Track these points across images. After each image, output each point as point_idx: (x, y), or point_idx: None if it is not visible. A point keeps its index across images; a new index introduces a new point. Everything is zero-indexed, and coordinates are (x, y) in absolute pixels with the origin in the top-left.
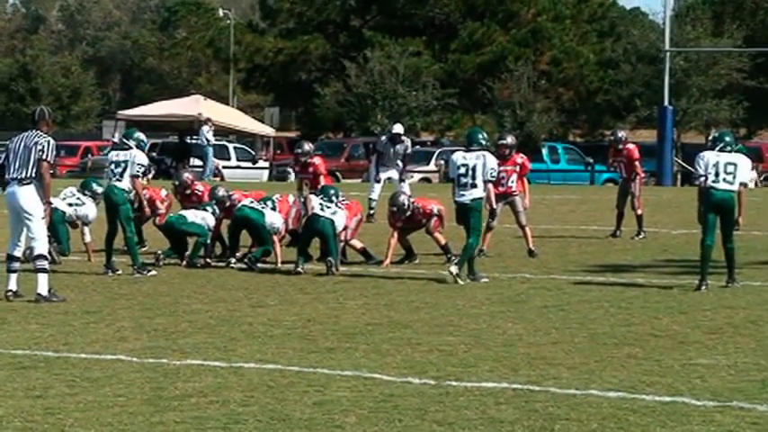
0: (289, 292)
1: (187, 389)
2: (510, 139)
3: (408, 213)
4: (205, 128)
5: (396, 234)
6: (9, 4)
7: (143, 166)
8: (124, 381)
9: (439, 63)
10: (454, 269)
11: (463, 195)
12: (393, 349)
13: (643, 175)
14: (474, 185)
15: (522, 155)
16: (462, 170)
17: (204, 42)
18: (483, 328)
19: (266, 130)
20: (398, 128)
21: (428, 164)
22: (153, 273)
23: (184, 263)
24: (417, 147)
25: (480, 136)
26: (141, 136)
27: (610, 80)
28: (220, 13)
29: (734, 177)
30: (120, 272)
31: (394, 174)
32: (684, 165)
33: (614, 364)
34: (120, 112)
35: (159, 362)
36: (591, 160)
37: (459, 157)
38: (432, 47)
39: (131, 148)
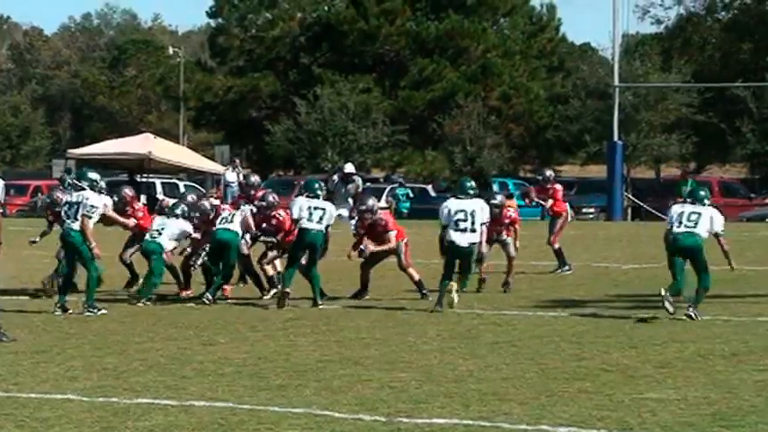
0: (239, 329)
1: (138, 427)
2: (499, 199)
3: (375, 217)
4: (229, 170)
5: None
6: None
7: (95, 207)
8: (74, 420)
9: (389, 100)
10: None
11: (461, 239)
12: (344, 386)
13: (567, 212)
14: (473, 230)
15: (511, 208)
16: (461, 215)
17: (154, 80)
18: (434, 364)
19: (217, 167)
20: (349, 167)
21: (379, 200)
22: (104, 311)
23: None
24: (369, 183)
25: (469, 185)
26: (95, 176)
27: (560, 115)
28: (170, 51)
29: (695, 225)
30: (70, 311)
31: (344, 212)
32: (634, 200)
33: (565, 398)
34: (70, 150)
35: (109, 401)
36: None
37: (454, 203)
38: (382, 83)
39: (84, 188)
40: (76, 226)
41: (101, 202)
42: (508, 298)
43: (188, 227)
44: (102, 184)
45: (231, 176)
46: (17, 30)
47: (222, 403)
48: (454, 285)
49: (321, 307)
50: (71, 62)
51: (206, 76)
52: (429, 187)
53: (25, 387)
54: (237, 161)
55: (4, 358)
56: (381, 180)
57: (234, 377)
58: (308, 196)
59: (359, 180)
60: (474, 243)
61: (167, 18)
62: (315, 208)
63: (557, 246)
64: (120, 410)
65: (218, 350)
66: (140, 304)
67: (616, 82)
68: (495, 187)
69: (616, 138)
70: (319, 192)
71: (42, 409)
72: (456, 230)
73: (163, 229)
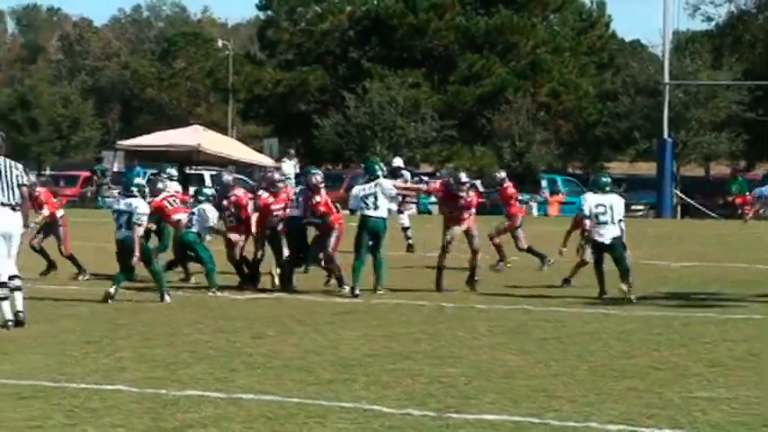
0: (288, 323)
1: (186, 420)
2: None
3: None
4: (290, 162)
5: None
6: (8, 34)
7: (143, 214)
8: (124, 411)
9: (438, 95)
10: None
11: (604, 234)
12: (393, 381)
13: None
14: (613, 223)
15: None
16: (601, 209)
17: (203, 73)
18: (483, 360)
19: (266, 160)
20: (398, 161)
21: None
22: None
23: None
24: (416, 178)
25: (605, 180)
26: (142, 181)
27: (609, 112)
28: (219, 43)
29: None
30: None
31: (393, 206)
32: (684, 197)
33: (614, 396)
34: (119, 141)
35: (159, 392)
36: None
37: (594, 197)
38: (431, 78)
39: (135, 195)
40: (129, 234)
41: (148, 210)
42: (558, 294)
43: (214, 211)
44: (173, 171)
45: (288, 168)
46: (67, 21)
47: (270, 396)
48: (624, 286)
49: (373, 302)
50: (121, 54)
51: (255, 68)
52: (478, 182)
53: (75, 377)
54: (292, 151)
55: (53, 348)
56: (427, 176)
57: (282, 370)
58: (369, 179)
59: (407, 174)
60: (616, 237)
61: (216, 10)
62: (368, 195)
63: (497, 240)
64: (170, 402)
65: (266, 343)
66: (211, 294)
67: (666, 79)
68: (544, 183)
69: (666, 135)
70: (379, 172)
71: (92, 399)
72: (598, 224)
73: (194, 217)
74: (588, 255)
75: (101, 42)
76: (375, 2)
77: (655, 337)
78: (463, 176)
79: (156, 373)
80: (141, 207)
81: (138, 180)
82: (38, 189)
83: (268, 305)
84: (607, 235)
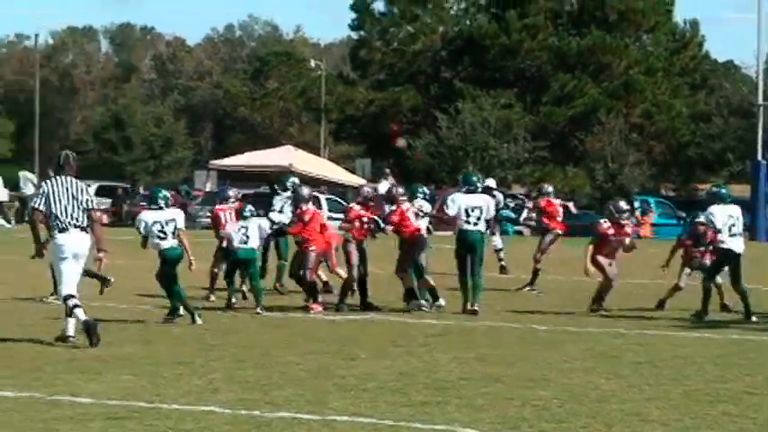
0: (381, 344)
1: None
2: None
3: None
4: (386, 182)
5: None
6: (102, 53)
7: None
8: None
9: (530, 115)
10: None
11: (736, 245)
12: (486, 404)
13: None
14: (741, 235)
15: None
16: (732, 220)
17: (296, 93)
18: (576, 383)
19: (358, 181)
20: (491, 182)
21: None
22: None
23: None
24: (509, 199)
25: (726, 191)
26: (167, 193)
27: (702, 133)
28: (312, 63)
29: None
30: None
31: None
32: None
33: (708, 421)
34: (212, 161)
35: (252, 414)
36: (683, 214)
37: (720, 209)
38: (523, 99)
39: (162, 208)
40: (177, 242)
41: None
42: (651, 317)
43: (265, 223)
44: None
45: (383, 188)
46: (160, 40)
47: (364, 419)
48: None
49: (466, 323)
50: (213, 73)
51: (347, 88)
52: (570, 204)
53: (168, 398)
54: (388, 171)
55: (145, 368)
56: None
57: (376, 393)
58: (467, 191)
59: (500, 196)
60: (743, 249)
61: (309, 30)
62: (473, 208)
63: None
64: (263, 424)
65: (359, 365)
66: (259, 311)
67: (760, 100)
68: (637, 204)
69: (760, 156)
70: (479, 183)
71: (185, 420)
72: (730, 236)
73: (246, 234)
74: (683, 280)
75: (193, 62)
76: (467, 22)
77: (749, 361)
78: (623, 204)
79: (249, 395)
80: (179, 216)
81: (163, 193)
82: None
83: (359, 326)
84: (740, 245)
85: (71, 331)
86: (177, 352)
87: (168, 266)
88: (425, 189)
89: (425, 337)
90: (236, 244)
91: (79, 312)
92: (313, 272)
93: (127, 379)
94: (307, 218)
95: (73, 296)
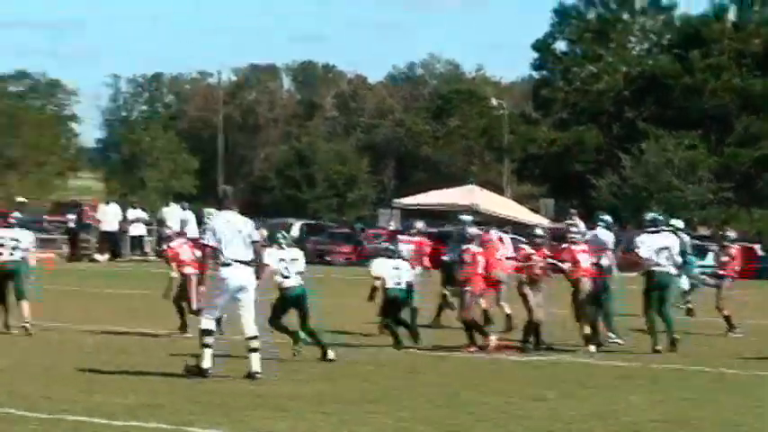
0: (567, 385)
1: None
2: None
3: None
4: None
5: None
6: (284, 90)
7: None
8: None
9: (714, 156)
10: None
11: None
12: None
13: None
14: None
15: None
16: None
17: (478, 131)
18: None
19: (542, 221)
20: (679, 223)
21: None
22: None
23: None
24: (696, 241)
25: None
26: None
27: None
28: (493, 102)
29: None
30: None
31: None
32: None
33: None
34: (395, 200)
35: None
36: None
37: None
38: (707, 139)
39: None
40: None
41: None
42: None
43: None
44: None
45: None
46: (342, 78)
47: None
48: None
49: (652, 365)
50: (395, 111)
51: (530, 127)
52: (757, 246)
53: None
54: (574, 211)
55: (333, 407)
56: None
57: None
58: (654, 231)
59: (686, 238)
60: None
61: (490, 69)
62: (661, 248)
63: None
64: None
65: (546, 405)
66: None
67: None
68: None
69: None
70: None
71: None
72: None
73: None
74: None
75: (375, 99)
76: (650, 62)
77: None
78: None
79: None
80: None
81: (282, 233)
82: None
83: (544, 366)
84: None
85: (256, 367)
86: (365, 390)
87: (287, 304)
88: (608, 217)
89: (613, 378)
90: (389, 284)
91: (207, 354)
92: (467, 312)
93: (316, 417)
94: (468, 258)
95: (211, 332)
